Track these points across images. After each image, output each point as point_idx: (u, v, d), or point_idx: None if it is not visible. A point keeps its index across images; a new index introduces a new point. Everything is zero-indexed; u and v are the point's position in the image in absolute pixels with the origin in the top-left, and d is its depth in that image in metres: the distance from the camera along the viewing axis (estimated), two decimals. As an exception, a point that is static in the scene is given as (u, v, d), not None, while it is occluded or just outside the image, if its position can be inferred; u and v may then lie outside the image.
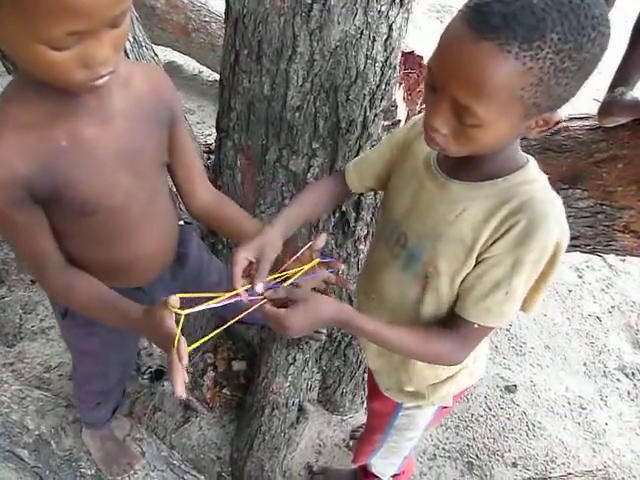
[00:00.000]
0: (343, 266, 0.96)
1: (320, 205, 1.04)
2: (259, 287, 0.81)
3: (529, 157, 0.80)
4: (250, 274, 0.84)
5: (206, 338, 0.83)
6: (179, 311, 0.76)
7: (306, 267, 0.91)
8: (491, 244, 0.77)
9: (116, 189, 0.88)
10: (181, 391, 0.75)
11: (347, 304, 0.85)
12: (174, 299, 0.76)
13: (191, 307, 0.78)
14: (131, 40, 1.22)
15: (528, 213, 0.74)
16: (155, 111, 0.90)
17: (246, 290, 0.82)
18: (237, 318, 0.84)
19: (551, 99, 0.64)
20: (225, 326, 0.83)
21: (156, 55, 1.37)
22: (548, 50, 0.59)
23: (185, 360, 0.74)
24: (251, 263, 0.84)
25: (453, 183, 0.81)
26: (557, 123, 0.69)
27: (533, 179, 0.77)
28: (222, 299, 0.79)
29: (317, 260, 0.94)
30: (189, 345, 0.76)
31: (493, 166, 0.78)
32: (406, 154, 0.93)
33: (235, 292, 0.81)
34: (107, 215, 0.89)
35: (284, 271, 0.89)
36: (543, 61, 0.60)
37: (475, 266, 0.80)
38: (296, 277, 0.89)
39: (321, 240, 0.97)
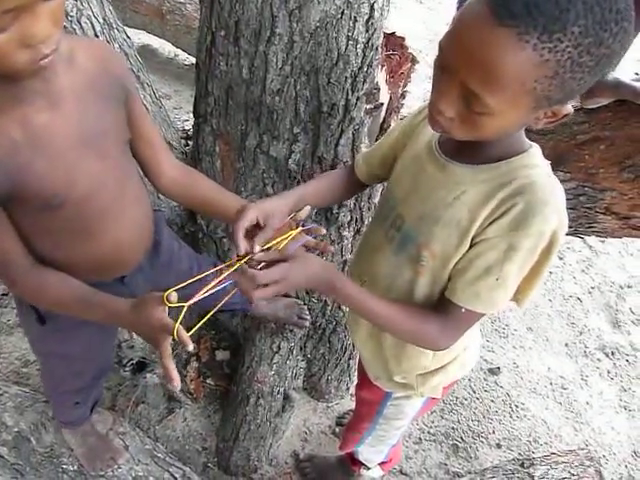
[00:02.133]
0: (325, 230, 0.98)
1: (333, 192, 1.04)
2: (257, 249, 0.80)
3: (533, 143, 0.78)
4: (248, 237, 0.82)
5: (201, 322, 0.81)
6: (183, 304, 0.75)
7: (292, 234, 0.90)
8: (487, 226, 0.75)
9: (81, 175, 0.83)
10: (178, 382, 0.77)
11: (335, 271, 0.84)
12: (173, 296, 0.75)
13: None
14: (101, 21, 1.16)
15: (527, 197, 0.72)
16: (107, 88, 0.85)
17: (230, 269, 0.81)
18: (228, 297, 0.81)
19: (563, 92, 0.62)
20: (218, 306, 0.82)
21: (128, 37, 1.31)
22: (568, 43, 0.56)
23: (191, 346, 0.75)
24: (254, 227, 0.84)
25: (454, 165, 0.80)
26: (566, 116, 0.66)
27: (535, 164, 0.75)
28: (216, 283, 0.78)
29: (299, 229, 0.93)
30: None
31: (496, 150, 0.76)
32: (411, 139, 0.92)
33: (224, 266, 0.80)
34: (77, 205, 0.84)
35: (267, 241, 0.87)
36: (561, 54, 0.57)
37: (469, 249, 0.78)
38: (282, 246, 0.87)
39: (304, 212, 0.96)
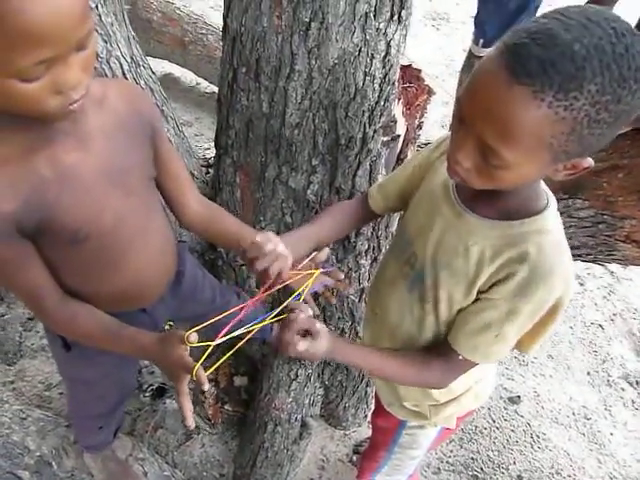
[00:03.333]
0: (342, 275, 1.01)
1: (343, 226, 1.04)
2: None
3: (550, 198, 0.78)
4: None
5: (222, 360, 0.84)
6: (208, 343, 0.77)
7: (311, 280, 0.92)
8: (490, 286, 0.77)
9: (107, 211, 0.86)
10: (192, 422, 0.79)
11: (339, 337, 0.88)
12: (193, 336, 0.77)
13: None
14: (129, 60, 1.21)
15: (532, 265, 0.72)
16: (135, 127, 0.89)
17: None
18: (250, 335, 0.84)
19: (582, 147, 0.62)
20: (239, 344, 0.84)
21: (154, 73, 1.36)
22: (584, 101, 0.56)
23: (207, 386, 0.77)
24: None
25: (470, 215, 0.80)
26: (586, 169, 0.66)
27: (548, 230, 0.75)
28: (249, 327, 0.81)
29: (319, 271, 0.95)
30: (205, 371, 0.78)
31: (512, 204, 0.76)
32: (428, 173, 0.93)
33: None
34: (101, 238, 0.87)
35: (284, 282, 0.89)
36: (577, 112, 0.57)
37: (474, 302, 0.80)
38: (305, 291, 0.90)
39: (323, 253, 0.98)
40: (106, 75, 1.15)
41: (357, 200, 1.08)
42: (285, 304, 0.85)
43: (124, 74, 1.19)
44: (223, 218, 1.10)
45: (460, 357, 0.82)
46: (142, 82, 1.29)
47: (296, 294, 0.90)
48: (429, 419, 1.03)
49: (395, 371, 0.87)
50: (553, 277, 0.72)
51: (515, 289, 0.74)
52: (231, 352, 0.84)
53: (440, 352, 0.86)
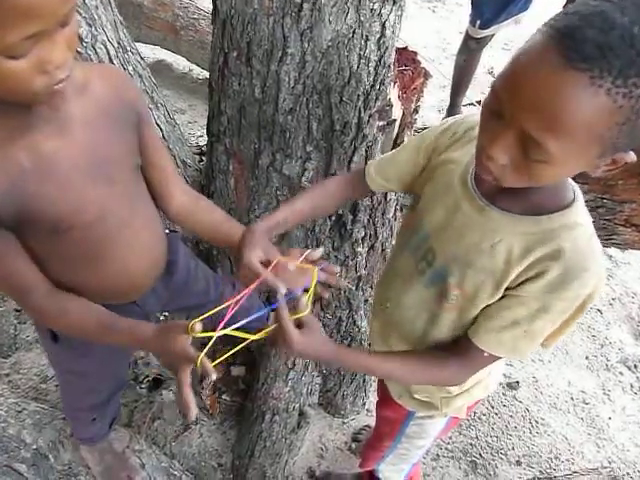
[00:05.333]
0: (339, 268, 0.98)
1: (332, 205, 1.02)
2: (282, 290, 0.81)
3: (577, 191, 0.73)
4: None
5: (227, 355, 0.82)
6: (212, 333, 0.75)
7: (313, 282, 0.90)
8: (520, 282, 0.74)
9: (89, 201, 0.83)
10: (194, 414, 0.77)
11: (342, 345, 0.87)
12: (198, 326, 0.76)
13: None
14: (115, 45, 1.17)
15: (566, 262, 0.69)
16: (119, 113, 0.86)
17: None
18: (257, 336, 0.83)
19: (630, 139, 0.58)
20: (245, 343, 0.82)
21: (142, 59, 1.32)
22: None
23: (214, 376, 0.75)
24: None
25: (493, 210, 0.75)
26: (626, 164, 0.62)
27: (578, 223, 0.71)
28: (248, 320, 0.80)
29: (315, 269, 0.93)
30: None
31: (538, 199, 0.71)
32: (437, 162, 0.87)
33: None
34: (84, 230, 0.85)
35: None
36: (636, 100, 0.53)
37: (500, 298, 0.77)
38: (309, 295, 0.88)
39: (317, 252, 0.95)
40: (92, 61, 1.12)
41: (353, 177, 1.02)
42: (280, 302, 0.82)
43: (111, 60, 1.15)
44: (210, 211, 1.07)
45: (485, 354, 0.79)
46: (130, 68, 1.26)
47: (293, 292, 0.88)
48: (439, 410, 1.02)
49: (410, 376, 0.86)
50: (587, 273, 0.69)
51: (547, 286, 0.70)
52: (236, 349, 0.82)
53: (457, 349, 0.83)
